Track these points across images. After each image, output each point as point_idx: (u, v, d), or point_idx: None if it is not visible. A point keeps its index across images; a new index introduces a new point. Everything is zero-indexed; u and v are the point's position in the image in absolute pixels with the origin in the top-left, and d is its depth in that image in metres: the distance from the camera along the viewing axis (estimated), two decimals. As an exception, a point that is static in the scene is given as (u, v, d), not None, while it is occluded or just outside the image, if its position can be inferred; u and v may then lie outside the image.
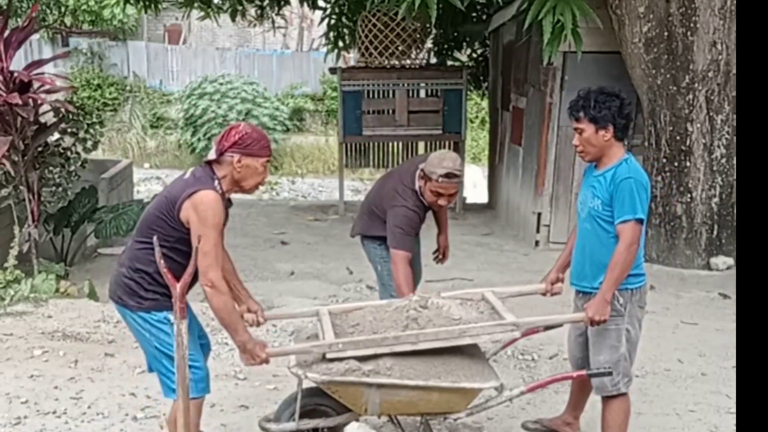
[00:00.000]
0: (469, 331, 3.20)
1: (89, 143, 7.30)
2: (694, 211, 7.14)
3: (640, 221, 3.28)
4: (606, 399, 3.51)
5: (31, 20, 6.68)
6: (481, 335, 3.22)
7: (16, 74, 6.29)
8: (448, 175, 3.93)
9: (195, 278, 3.09)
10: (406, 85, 10.06)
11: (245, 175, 3.17)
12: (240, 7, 11.44)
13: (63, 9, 20.56)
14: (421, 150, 10.41)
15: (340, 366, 3.11)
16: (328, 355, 3.13)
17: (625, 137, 3.45)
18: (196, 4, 11.04)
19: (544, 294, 3.78)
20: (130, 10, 17.86)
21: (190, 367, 3.14)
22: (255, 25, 14.02)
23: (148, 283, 3.13)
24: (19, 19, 11.87)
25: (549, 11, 6.59)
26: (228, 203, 3.25)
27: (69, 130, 7.05)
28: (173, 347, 3.11)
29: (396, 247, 4.08)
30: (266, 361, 3.21)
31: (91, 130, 7.35)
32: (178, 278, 2.92)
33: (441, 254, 4.69)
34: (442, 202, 4.03)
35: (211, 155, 3.17)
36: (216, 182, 3.13)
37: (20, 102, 6.02)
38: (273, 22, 12.58)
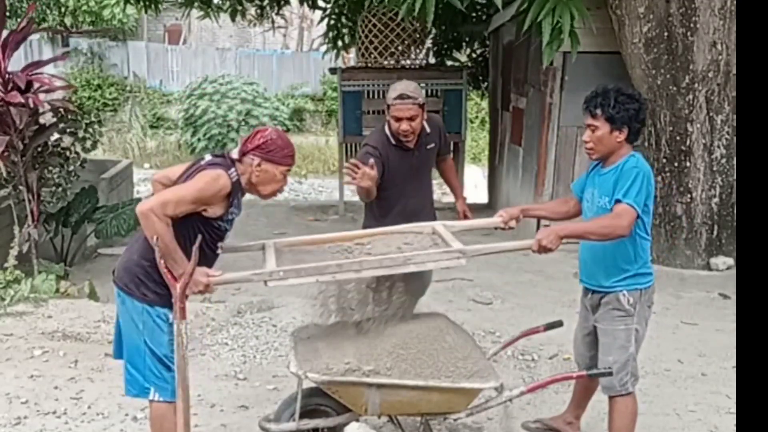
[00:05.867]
0: (413, 259, 3.12)
1: (88, 143, 7.29)
2: (694, 212, 7.14)
3: (633, 209, 3.21)
4: (612, 400, 3.47)
5: (29, 21, 6.67)
6: (427, 262, 3.16)
7: (12, 77, 6.28)
8: (400, 96, 4.06)
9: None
10: (405, 85, 10.05)
11: (262, 180, 3.16)
12: (240, 7, 11.45)
13: (63, 9, 20.58)
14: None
15: (341, 366, 3.11)
16: (270, 283, 3.06)
17: (636, 140, 3.42)
18: (196, 4, 11.05)
19: (497, 228, 3.70)
20: (130, 10, 17.91)
21: (170, 370, 3.10)
22: (255, 25, 14.04)
23: (158, 275, 3.03)
24: (19, 20, 11.87)
25: (548, 13, 6.60)
26: (242, 192, 3.22)
27: (68, 129, 7.05)
28: (163, 346, 3.09)
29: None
30: (209, 289, 3.07)
31: (90, 130, 7.34)
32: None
33: (463, 218, 4.68)
34: (404, 126, 4.09)
35: (234, 154, 3.16)
36: (233, 170, 3.10)
37: (21, 101, 6.03)
38: (273, 22, 12.60)
